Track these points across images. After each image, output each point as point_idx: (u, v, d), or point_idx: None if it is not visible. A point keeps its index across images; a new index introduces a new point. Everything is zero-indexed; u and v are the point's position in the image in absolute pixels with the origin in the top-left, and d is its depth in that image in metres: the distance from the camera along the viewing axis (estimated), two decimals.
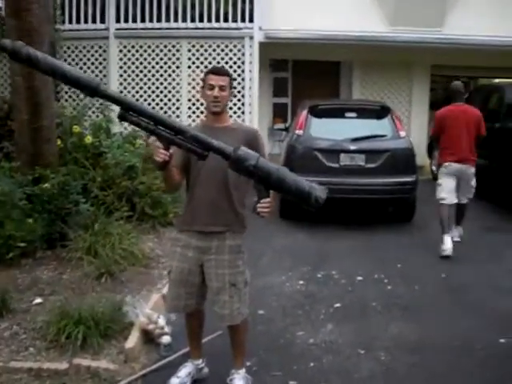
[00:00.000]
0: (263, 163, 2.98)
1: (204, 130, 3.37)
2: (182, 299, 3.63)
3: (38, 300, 4.94)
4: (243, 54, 11.43)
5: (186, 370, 3.84)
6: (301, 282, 5.91)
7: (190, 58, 11.46)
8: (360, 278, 6.04)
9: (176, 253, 3.65)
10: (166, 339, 4.28)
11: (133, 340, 4.19)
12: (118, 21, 11.37)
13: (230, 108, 11.34)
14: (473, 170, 7.12)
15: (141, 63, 11.43)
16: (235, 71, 11.35)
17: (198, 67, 11.43)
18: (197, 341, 3.90)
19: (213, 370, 3.96)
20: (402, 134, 8.34)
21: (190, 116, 11.37)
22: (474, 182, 7.21)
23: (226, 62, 11.36)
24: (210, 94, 3.48)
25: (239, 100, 11.51)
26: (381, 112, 8.66)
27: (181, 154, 3.40)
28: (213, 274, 3.53)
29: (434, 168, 12.20)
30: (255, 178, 3.03)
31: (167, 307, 3.93)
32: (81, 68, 11.46)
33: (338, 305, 5.31)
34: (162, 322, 4.37)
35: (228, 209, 3.52)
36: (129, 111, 2.96)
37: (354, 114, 8.51)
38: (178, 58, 11.45)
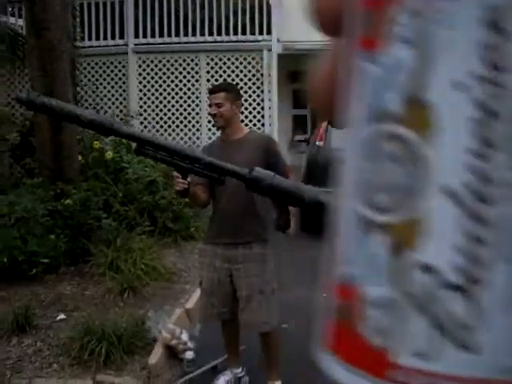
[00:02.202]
0: (279, 181, 2.96)
1: (220, 144, 3.50)
2: (215, 308, 3.67)
3: (62, 316, 4.94)
4: (262, 67, 11.45)
5: (224, 379, 3.87)
6: (325, 295, 5.84)
7: (208, 72, 11.50)
8: None
9: (204, 263, 3.71)
10: (189, 354, 4.25)
11: (156, 356, 4.18)
12: (136, 36, 11.46)
13: (250, 121, 11.36)
14: None
15: (160, 78, 11.50)
16: (254, 83, 11.37)
17: (217, 80, 11.45)
18: (234, 348, 3.92)
19: (254, 379, 3.97)
20: None
21: (210, 129, 11.39)
22: None
23: (245, 75, 11.39)
24: (209, 111, 3.65)
25: (259, 112, 11.52)
26: None
27: None
28: (242, 283, 3.56)
29: None
30: (272, 196, 3.01)
31: (201, 317, 3.95)
32: (101, 84, 11.56)
33: None
34: (185, 337, 4.35)
35: (254, 219, 3.53)
36: (144, 146, 2.97)
37: None
38: (196, 72, 11.50)
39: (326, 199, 3.04)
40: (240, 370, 3.94)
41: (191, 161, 2.96)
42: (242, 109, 11.27)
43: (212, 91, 3.67)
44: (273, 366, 3.77)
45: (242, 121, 11.30)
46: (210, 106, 3.65)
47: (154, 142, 2.97)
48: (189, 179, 3.15)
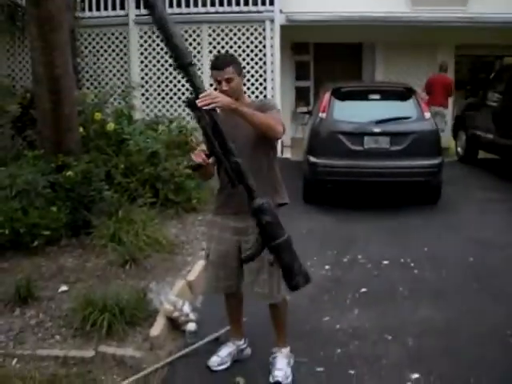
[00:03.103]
0: (276, 227, 3.21)
1: (224, 114, 3.38)
2: (221, 281, 3.69)
3: (64, 288, 4.95)
4: (264, 38, 11.34)
5: (226, 350, 3.90)
6: (326, 267, 5.85)
7: (210, 43, 11.40)
8: (386, 262, 5.97)
9: (213, 236, 3.70)
10: (191, 326, 4.25)
11: (158, 327, 4.18)
12: (137, 7, 11.33)
13: (253, 92, 11.27)
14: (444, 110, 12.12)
15: (161, 49, 11.37)
16: (256, 55, 11.27)
17: (219, 52, 11.35)
18: (237, 321, 3.95)
19: (255, 351, 4.00)
20: (427, 115, 8.20)
21: None
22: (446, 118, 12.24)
23: (248, 46, 11.29)
24: (219, 88, 3.48)
25: (261, 84, 11.43)
26: (405, 94, 8.53)
27: None
28: None
29: (459, 149, 12.07)
30: (261, 231, 3.23)
31: (206, 289, 3.93)
32: (101, 55, 11.46)
33: (364, 290, 5.25)
34: (187, 308, 4.35)
35: (263, 186, 3.42)
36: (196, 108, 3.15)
37: (377, 96, 8.39)
38: (198, 43, 11.40)
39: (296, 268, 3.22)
40: (242, 341, 3.97)
41: (225, 151, 3.19)
42: (245, 80, 11.20)
43: (219, 67, 3.51)
44: (281, 333, 3.82)
45: (245, 92, 11.22)
46: (218, 82, 3.50)
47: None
48: (210, 160, 3.30)
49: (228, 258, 3.63)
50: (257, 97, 11.30)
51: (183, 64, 3.18)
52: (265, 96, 11.36)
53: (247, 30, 11.31)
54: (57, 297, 4.79)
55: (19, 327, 4.30)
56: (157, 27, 3.25)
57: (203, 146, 3.44)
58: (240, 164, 3.18)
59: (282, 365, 3.72)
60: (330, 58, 13.93)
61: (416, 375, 3.77)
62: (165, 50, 11.25)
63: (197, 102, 3.14)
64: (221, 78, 3.48)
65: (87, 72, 11.43)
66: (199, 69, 11.32)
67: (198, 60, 11.38)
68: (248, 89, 11.32)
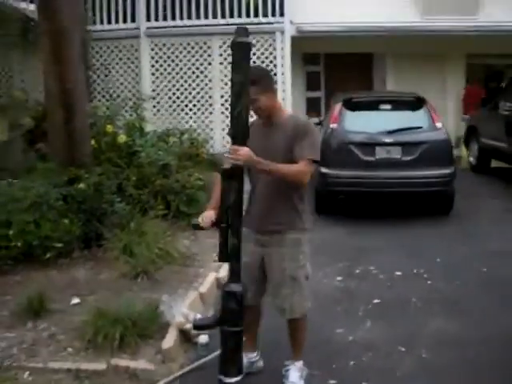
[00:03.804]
0: (237, 316, 3.31)
1: (259, 125, 3.53)
2: None
3: (76, 300, 4.95)
4: (275, 49, 11.36)
5: None
6: (338, 278, 5.82)
7: (221, 55, 11.43)
8: (399, 273, 5.94)
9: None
10: (203, 338, 4.23)
11: (170, 340, 4.17)
12: (148, 19, 11.39)
13: None
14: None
15: (172, 61, 11.44)
16: (267, 66, 11.28)
17: (230, 63, 11.37)
18: (251, 335, 3.91)
19: (268, 363, 3.99)
20: (439, 125, 8.18)
21: (222, 112, 11.32)
22: None
23: (258, 58, 11.31)
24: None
25: None
26: (416, 103, 8.51)
27: None
28: (274, 267, 3.57)
29: (471, 159, 12.01)
30: (223, 313, 3.35)
31: None
32: (113, 68, 11.52)
33: (376, 301, 5.22)
34: None
35: (288, 209, 3.54)
36: None
37: (388, 106, 8.37)
38: (209, 55, 11.43)
39: None
40: (255, 354, 3.95)
41: (232, 230, 3.29)
42: None
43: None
44: (297, 347, 3.80)
45: None
46: None
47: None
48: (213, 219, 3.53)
49: (248, 269, 3.61)
50: None
51: None
52: None
53: (258, 41, 11.34)
54: (69, 309, 4.79)
55: (31, 340, 4.29)
56: None
57: (210, 213, 3.55)
58: (237, 247, 3.26)
59: (295, 378, 3.70)
60: (340, 69, 13.93)
61: None
62: (176, 61, 11.32)
63: (230, 156, 3.22)
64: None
65: (99, 84, 11.49)
66: (210, 80, 11.35)
67: (210, 72, 11.41)
68: None
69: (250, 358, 3.91)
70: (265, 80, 3.52)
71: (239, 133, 3.23)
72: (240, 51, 3.19)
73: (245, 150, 3.22)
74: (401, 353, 4.24)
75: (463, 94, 14.00)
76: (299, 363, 3.79)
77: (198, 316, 4.35)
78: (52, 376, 3.85)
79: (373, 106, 8.51)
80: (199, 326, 3.73)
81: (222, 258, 3.34)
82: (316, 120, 10.25)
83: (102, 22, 11.51)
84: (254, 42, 11.27)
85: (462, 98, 13.99)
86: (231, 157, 3.21)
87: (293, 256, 3.55)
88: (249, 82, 3.23)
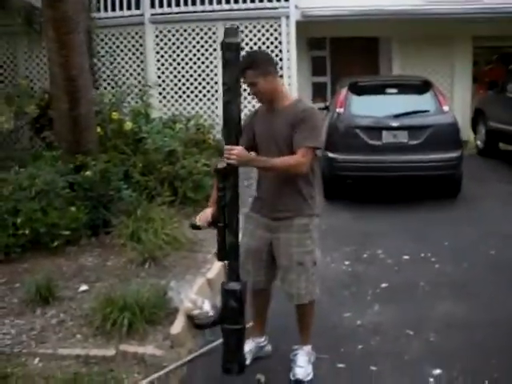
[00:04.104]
0: (237, 314, 3.35)
1: (263, 112, 3.55)
2: (250, 275, 3.69)
3: (84, 287, 4.97)
4: (280, 34, 11.28)
5: (246, 347, 3.84)
6: (346, 263, 5.82)
7: None
8: (406, 256, 5.93)
9: (247, 229, 3.73)
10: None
11: (178, 325, 4.18)
12: (152, 6, 11.32)
13: None
14: None
15: (177, 47, 11.38)
16: (272, 51, 11.21)
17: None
18: (260, 319, 3.94)
19: (276, 347, 4.00)
20: (446, 108, 8.13)
21: None
22: None
23: (263, 43, 11.24)
24: (249, 92, 3.54)
25: None
26: (422, 87, 8.47)
27: (247, 140, 3.53)
28: (282, 252, 3.58)
29: (478, 142, 11.96)
30: (224, 311, 3.40)
31: None
32: (118, 55, 11.48)
33: (384, 285, 5.22)
34: (207, 306, 4.34)
35: (296, 196, 3.53)
36: None
37: (394, 90, 8.33)
38: (214, 41, 11.36)
39: None
40: (263, 339, 3.96)
41: (230, 229, 3.36)
42: None
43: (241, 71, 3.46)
44: (305, 332, 3.81)
45: None
46: (247, 84, 3.47)
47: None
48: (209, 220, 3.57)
49: (257, 253, 3.65)
50: None
51: None
52: None
53: (263, 26, 11.26)
54: (77, 296, 4.82)
55: (41, 327, 4.32)
56: None
57: (208, 212, 3.56)
58: (235, 246, 3.30)
59: (303, 362, 3.71)
60: (346, 53, 13.85)
61: (438, 371, 3.74)
62: (181, 48, 11.27)
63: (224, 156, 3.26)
64: (245, 82, 3.43)
65: (104, 72, 11.45)
66: (215, 66, 11.30)
67: (215, 58, 11.35)
68: None
69: (258, 342, 3.93)
70: (264, 64, 3.44)
71: (232, 132, 3.24)
72: (230, 52, 3.17)
73: (238, 150, 3.23)
74: (409, 336, 4.24)
75: (483, 74, 14.37)
76: (307, 348, 3.80)
77: (206, 303, 4.36)
78: (61, 362, 3.88)
79: (379, 90, 8.46)
80: (201, 326, 3.77)
81: (221, 256, 3.38)
82: (322, 105, 10.23)
83: (106, 10, 11.44)
84: (259, 27, 11.23)
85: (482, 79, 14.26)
86: (226, 156, 3.23)
87: (300, 241, 3.54)
88: (239, 82, 3.24)
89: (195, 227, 3.63)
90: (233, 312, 3.31)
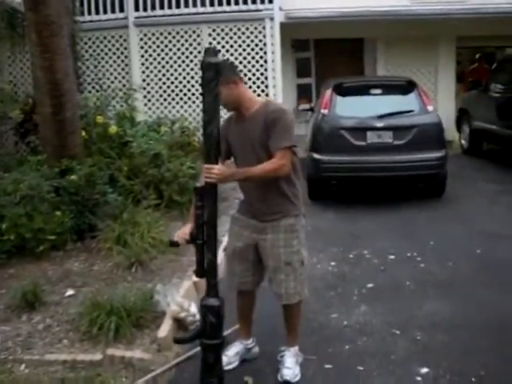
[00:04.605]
0: (216, 329, 3.35)
1: (234, 121, 3.55)
2: (236, 276, 3.72)
3: (70, 292, 4.96)
4: (264, 36, 11.28)
5: (234, 350, 3.90)
6: (332, 263, 5.84)
7: (211, 43, 11.35)
8: (392, 256, 5.96)
9: (233, 231, 3.75)
10: (198, 326, 4.24)
11: (165, 329, 4.18)
12: (137, 9, 11.29)
13: (254, 91, 11.23)
14: None
15: (162, 50, 11.36)
16: (257, 53, 11.23)
17: (219, 51, 11.31)
18: (246, 321, 3.95)
19: (263, 349, 4.00)
20: (430, 108, 8.17)
21: None
22: None
23: (248, 45, 11.25)
24: None
25: (262, 82, 11.40)
26: (407, 87, 8.50)
27: (224, 151, 3.54)
28: (269, 253, 3.59)
29: (463, 142, 12.03)
30: (203, 327, 3.39)
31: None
32: (102, 58, 11.45)
33: (370, 285, 5.24)
34: (193, 309, 4.34)
35: (280, 198, 3.55)
36: None
37: (379, 91, 8.36)
38: (199, 44, 11.36)
39: None
40: (250, 341, 3.96)
41: (208, 246, 3.31)
42: (246, 79, 11.17)
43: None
44: (292, 333, 3.82)
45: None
46: None
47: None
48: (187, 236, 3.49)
49: (243, 253, 3.67)
50: (258, 95, 11.24)
51: None
52: (267, 94, 11.32)
53: (247, 28, 11.28)
54: (64, 301, 4.79)
55: (27, 332, 4.30)
56: None
57: (186, 229, 3.51)
58: (213, 263, 3.29)
59: (291, 363, 3.72)
60: (331, 54, 13.89)
61: (425, 369, 3.76)
62: (165, 51, 11.26)
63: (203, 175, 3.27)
64: None
65: (88, 76, 11.41)
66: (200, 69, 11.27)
67: (199, 60, 11.31)
68: (250, 87, 11.29)
69: (246, 344, 3.94)
70: (224, 72, 3.35)
71: (211, 151, 3.25)
72: (210, 71, 3.17)
73: (219, 169, 3.24)
74: (395, 336, 4.26)
75: (467, 74, 14.73)
76: (294, 349, 3.81)
77: (192, 306, 4.36)
78: (48, 368, 3.87)
79: (363, 90, 8.49)
80: (179, 340, 3.77)
81: (199, 273, 3.38)
82: (307, 106, 10.26)
83: (90, 13, 11.40)
84: (243, 29, 11.24)
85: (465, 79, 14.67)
86: (205, 176, 3.23)
87: (287, 242, 3.56)
88: (218, 101, 3.22)
89: (173, 244, 3.65)
90: (211, 327, 3.34)
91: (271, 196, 3.52)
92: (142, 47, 11.43)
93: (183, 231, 3.56)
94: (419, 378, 3.68)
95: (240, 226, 3.70)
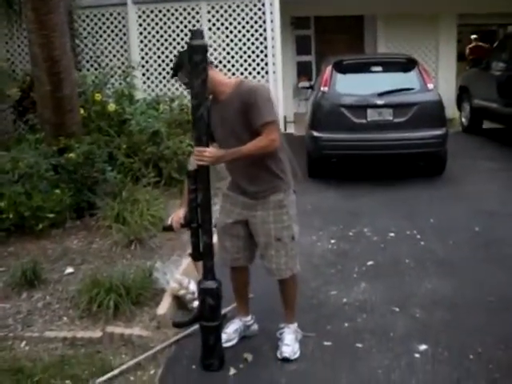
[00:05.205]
0: (214, 310, 3.45)
1: (212, 105, 3.49)
2: (228, 252, 3.74)
3: (70, 270, 4.96)
4: (264, 13, 11.19)
5: (233, 327, 3.92)
6: (332, 241, 5.83)
7: (209, 20, 11.27)
8: (392, 234, 5.95)
9: (224, 208, 3.73)
10: (197, 304, 4.24)
11: (164, 306, 4.19)
12: None
13: (254, 69, 11.17)
14: None
15: (161, 28, 11.27)
16: (257, 31, 11.15)
17: (218, 29, 11.24)
18: (243, 297, 3.97)
19: (263, 326, 4.01)
20: (430, 86, 8.12)
21: None
22: None
23: (247, 22, 11.15)
24: None
25: (262, 60, 11.31)
26: (407, 65, 8.44)
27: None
28: (259, 230, 3.59)
29: (463, 120, 11.99)
30: (201, 308, 3.47)
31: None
32: (100, 36, 11.37)
33: (370, 262, 5.24)
34: (193, 286, 4.34)
35: (267, 175, 3.53)
36: None
37: (379, 68, 8.30)
38: (197, 21, 11.27)
39: None
40: (249, 318, 3.97)
41: (204, 229, 3.40)
42: (245, 57, 11.11)
43: (172, 77, 3.64)
44: (289, 309, 3.83)
45: (246, 69, 11.15)
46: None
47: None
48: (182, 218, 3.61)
49: (234, 230, 3.67)
50: (258, 73, 11.20)
51: None
52: (266, 72, 11.26)
53: (246, 5, 11.17)
54: (63, 279, 4.80)
55: (27, 310, 4.32)
56: None
57: (180, 213, 3.61)
58: (209, 245, 3.32)
59: (290, 340, 3.73)
60: (331, 32, 13.82)
61: (424, 346, 3.77)
62: (164, 28, 11.17)
63: (194, 158, 3.27)
64: (181, 85, 3.50)
65: (87, 53, 11.33)
66: None
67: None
68: (249, 65, 11.23)
69: (245, 321, 3.95)
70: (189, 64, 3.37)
71: (202, 135, 3.24)
72: (197, 54, 3.15)
73: (210, 151, 3.24)
74: (395, 313, 4.26)
75: (468, 52, 15.14)
76: (293, 326, 3.82)
77: (192, 284, 4.36)
78: (48, 345, 3.89)
79: (364, 68, 8.43)
80: (178, 324, 3.78)
81: (195, 256, 3.41)
82: (307, 84, 10.20)
83: None
84: (242, 6, 11.13)
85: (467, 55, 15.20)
86: (197, 159, 3.23)
87: (276, 217, 3.56)
88: (206, 84, 3.21)
89: (168, 229, 3.65)
90: (210, 310, 3.36)
91: (258, 174, 3.51)
92: (140, 24, 11.33)
93: (177, 215, 3.61)
94: (418, 355, 3.68)
95: (230, 203, 3.69)
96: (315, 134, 7.97)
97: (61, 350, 3.82)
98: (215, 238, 3.72)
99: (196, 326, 4.02)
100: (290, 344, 3.71)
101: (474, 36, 15.44)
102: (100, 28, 11.43)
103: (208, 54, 3.47)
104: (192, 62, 3.16)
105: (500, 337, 3.87)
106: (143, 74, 11.18)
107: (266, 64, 11.30)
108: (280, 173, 3.55)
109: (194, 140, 3.30)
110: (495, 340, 3.82)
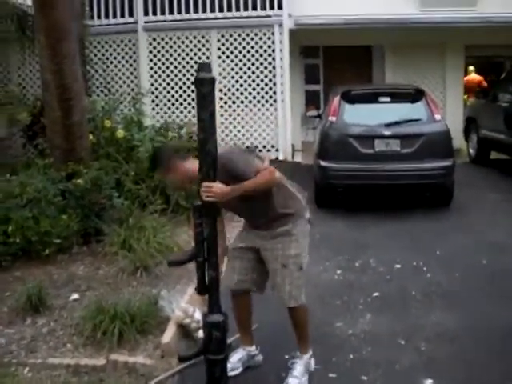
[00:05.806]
0: (220, 344, 3.30)
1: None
2: (235, 273, 3.78)
3: (75, 296, 4.96)
4: (273, 42, 11.32)
5: (237, 356, 3.92)
6: (338, 272, 5.82)
7: (219, 48, 11.40)
8: (398, 265, 5.93)
9: (240, 235, 3.87)
10: (202, 333, 4.22)
11: (169, 335, 4.17)
12: (146, 13, 11.35)
13: (262, 97, 11.25)
14: None
15: (171, 55, 11.41)
16: (266, 59, 11.26)
17: (228, 57, 11.36)
18: (246, 327, 3.96)
19: (267, 357, 3.99)
20: (438, 117, 8.15)
21: (221, 106, 11.29)
22: None
23: (257, 51, 11.28)
24: None
25: (271, 88, 11.41)
26: (415, 95, 8.48)
27: None
28: (269, 256, 3.67)
29: (471, 151, 11.99)
30: (207, 341, 3.35)
31: (222, 282, 3.93)
32: (111, 62, 11.49)
33: (376, 294, 5.21)
34: (198, 315, 4.32)
35: (275, 215, 3.62)
36: None
37: (387, 99, 8.34)
38: (207, 49, 11.40)
39: None
40: (253, 348, 3.95)
41: (209, 263, 3.30)
42: (254, 85, 11.20)
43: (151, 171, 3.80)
44: (300, 338, 3.82)
45: (255, 97, 11.23)
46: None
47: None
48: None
49: (245, 253, 3.75)
50: (267, 101, 11.29)
51: None
52: (275, 101, 11.33)
53: (256, 34, 11.30)
54: (68, 305, 4.80)
55: (31, 336, 4.31)
56: None
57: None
58: (215, 279, 3.29)
59: (299, 373, 3.71)
60: (339, 61, 13.90)
61: (429, 380, 3.74)
62: (174, 56, 11.27)
63: (202, 193, 3.22)
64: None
65: (97, 79, 11.46)
66: None
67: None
68: (258, 93, 11.32)
69: (249, 351, 3.94)
70: (165, 159, 3.55)
71: (210, 169, 3.23)
72: (204, 87, 3.16)
73: (217, 186, 3.23)
74: (400, 346, 4.23)
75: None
76: (306, 356, 3.80)
77: (197, 312, 4.34)
78: (51, 372, 3.87)
79: (372, 98, 8.47)
80: (184, 358, 3.74)
81: (201, 290, 3.37)
82: (315, 113, 10.25)
83: (99, 17, 11.47)
84: (252, 35, 11.26)
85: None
86: (205, 194, 3.21)
87: (284, 244, 3.62)
88: (214, 117, 3.19)
89: (173, 264, 3.66)
90: (216, 343, 3.32)
91: (267, 215, 3.62)
92: (150, 52, 11.47)
93: (183, 250, 3.64)
94: None
95: (246, 232, 3.80)
96: (322, 163, 7.99)
97: (64, 377, 3.80)
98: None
99: (201, 356, 4.02)
100: (298, 376, 3.68)
101: (471, 67, 15.48)
102: (110, 54, 11.57)
103: (173, 151, 3.71)
104: (199, 95, 3.19)
105: (506, 371, 3.83)
106: (152, 101, 11.28)
107: (275, 92, 11.39)
108: (285, 209, 3.63)
109: (201, 175, 3.29)
110: (501, 374, 3.79)
